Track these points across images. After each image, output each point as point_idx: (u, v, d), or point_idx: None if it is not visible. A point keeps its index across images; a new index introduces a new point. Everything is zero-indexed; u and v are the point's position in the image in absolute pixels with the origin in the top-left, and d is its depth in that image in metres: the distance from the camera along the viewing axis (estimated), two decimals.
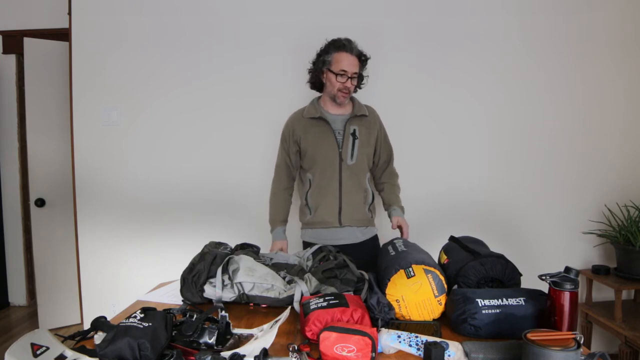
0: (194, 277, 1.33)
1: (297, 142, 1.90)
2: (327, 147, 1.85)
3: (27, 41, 2.86)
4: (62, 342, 0.98)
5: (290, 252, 1.95)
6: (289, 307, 1.23)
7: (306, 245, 1.94)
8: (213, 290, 1.31)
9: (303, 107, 1.95)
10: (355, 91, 1.90)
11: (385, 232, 2.08)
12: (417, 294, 1.21)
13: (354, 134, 1.86)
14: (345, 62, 1.78)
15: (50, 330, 1.60)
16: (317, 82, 1.91)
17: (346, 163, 1.85)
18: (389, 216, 1.97)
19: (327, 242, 1.82)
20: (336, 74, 1.80)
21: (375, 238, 1.98)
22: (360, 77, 1.86)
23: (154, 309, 1.04)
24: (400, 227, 1.89)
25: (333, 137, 1.85)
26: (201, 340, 1.00)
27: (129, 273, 2.58)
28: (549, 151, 2.46)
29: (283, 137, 1.96)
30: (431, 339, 1.03)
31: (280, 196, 1.99)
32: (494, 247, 1.48)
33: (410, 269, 1.22)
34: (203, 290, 1.31)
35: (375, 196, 2.02)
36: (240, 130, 2.50)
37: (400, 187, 2.05)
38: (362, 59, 1.84)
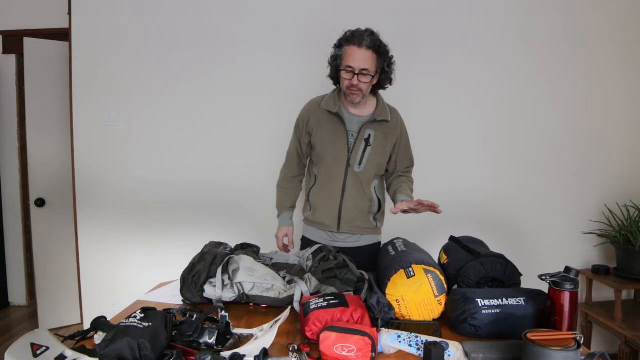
0: (194, 277, 1.33)
1: (309, 133, 1.76)
2: (337, 148, 1.71)
3: (27, 41, 2.86)
4: (62, 342, 0.98)
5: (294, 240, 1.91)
6: (289, 307, 1.23)
7: (305, 241, 1.88)
8: (213, 290, 1.31)
9: (323, 95, 1.78)
10: (377, 90, 1.74)
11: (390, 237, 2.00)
12: (417, 294, 1.21)
13: (367, 140, 1.71)
14: (352, 56, 1.59)
15: (50, 330, 1.60)
16: (335, 77, 1.73)
17: (353, 169, 1.71)
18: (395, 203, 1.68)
19: (324, 242, 1.77)
20: (344, 71, 1.63)
21: (377, 245, 1.85)
22: (383, 73, 1.66)
23: (154, 309, 1.04)
24: (409, 210, 1.52)
25: (345, 139, 1.70)
26: (201, 340, 1.00)
27: (129, 273, 2.58)
28: (549, 151, 2.46)
29: (297, 124, 1.82)
30: (431, 339, 1.03)
31: (289, 184, 1.90)
32: (494, 247, 1.48)
33: (410, 269, 1.23)
34: (203, 290, 1.31)
35: (387, 203, 1.87)
36: (241, 130, 2.50)
37: (413, 182, 1.85)
38: (380, 52, 1.61)
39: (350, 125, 1.72)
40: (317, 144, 1.75)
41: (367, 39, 1.58)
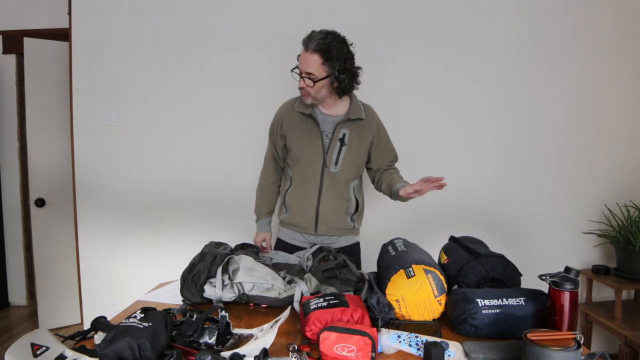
0: (194, 277, 1.33)
1: (283, 137, 1.74)
2: (311, 149, 1.69)
3: (27, 41, 2.86)
4: (62, 342, 0.98)
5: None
6: (289, 307, 1.23)
7: (280, 243, 1.84)
8: (213, 290, 1.31)
9: (296, 97, 1.75)
10: (342, 94, 1.67)
11: (372, 240, 1.89)
12: (417, 294, 1.20)
13: (342, 140, 1.69)
14: (301, 59, 1.60)
15: (50, 330, 1.60)
16: None
17: (329, 170, 1.69)
18: (396, 193, 1.63)
19: (301, 244, 1.76)
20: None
21: (355, 245, 1.85)
22: (336, 78, 1.60)
23: (154, 309, 1.04)
24: (414, 193, 1.53)
25: (319, 140, 1.68)
26: (201, 340, 1.00)
27: (129, 273, 2.58)
28: (549, 151, 2.46)
29: (271, 128, 1.81)
30: (431, 339, 1.03)
31: (268, 189, 1.88)
32: (494, 247, 1.48)
33: (410, 269, 1.22)
34: (203, 290, 1.32)
35: (367, 203, 1.89)
36: (242, 130, 2.50)
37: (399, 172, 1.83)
38: (328, 56, 1.55)
39: (324, 125, 1.70)
40: (292, 147, 1.73)
41: (314, 42, 1.55)
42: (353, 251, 1.83)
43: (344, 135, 1.69)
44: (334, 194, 1.72)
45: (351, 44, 1.63)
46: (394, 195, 1.67)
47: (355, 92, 1.75)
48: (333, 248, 1.56)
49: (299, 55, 1.62)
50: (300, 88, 1.64)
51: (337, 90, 1.65)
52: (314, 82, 1.59)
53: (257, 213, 1.92)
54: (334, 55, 1.56)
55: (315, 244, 1.66)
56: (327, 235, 1.77)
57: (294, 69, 1.64)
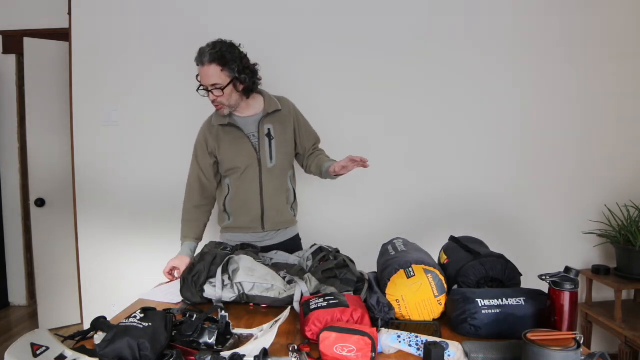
0: (194, 277, 1.33)
1: (212, 154, 1.77)
2: (244, 154, 1.72)
3: (27, 41, 2.87)
4: (62, 342, 0.98)
5: None
6: (289, 307, 1.23)
7: None
8: (213, 290, 1.31)
9: (210, 115, 1.80)
10: (248, 93, 1.71)
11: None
12: (417, 294, 1.20)
13: (269, 135, 1.74)
14: (201, 75, 1.63)
15: (50, 330, 1.60)
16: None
17: (266, 167, 1.73)
18: (327, 172, 1.70)
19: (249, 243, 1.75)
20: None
21: (296, 238, 1.89)
22: (238, 80, 1.64)
23: (154, 309, 1.04)
24: (341, 169, 1.59)
25: (248, 143, 1.72)
26: (201, 340, 1.00)
27: (129, 273, 2.58)
28: (549, 151, 2.46)
29: (195, 151, 1.81)
30: (431, 339, 1.03)
31: (191, 215, 1.83)
32: (494, 247, 1.48)
33: (410, 269, 1.22)
34: (203, 290, 1.32)
35: (298, 192, 1.91)
36: None
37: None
38: (225, 62, 1.60)
39: (247, 127, 1.74)
40: (225, 159, 1.75)
41: (207, 54, 1.59)
42: (297, 242, 1.88)
43: (269, 130, 1.74)
44: (275, 188, 1.76)
45: (239, 45, 1.68)
46: (324, 174, 1.73)
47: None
48: (332, 248, 1.56)
49: (197, 76, 1.65)
50: (212, 102, 1.67)
51: (244, 91, 1.69)
52: (222, 90, 1.62)
53: (182, 238, 1.83)
54: (229, 59, 1.61)
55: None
56: (274, 230, 1.80)
57: (199, 88, 1.66)
